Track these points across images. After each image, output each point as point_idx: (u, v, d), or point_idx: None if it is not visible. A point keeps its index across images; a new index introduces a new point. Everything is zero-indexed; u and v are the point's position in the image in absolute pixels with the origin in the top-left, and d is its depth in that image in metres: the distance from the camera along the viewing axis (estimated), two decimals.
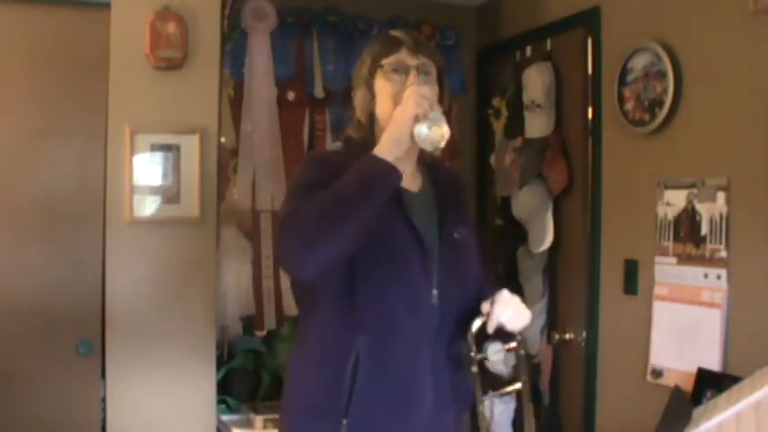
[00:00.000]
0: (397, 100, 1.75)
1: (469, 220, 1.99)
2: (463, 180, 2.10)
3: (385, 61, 1.82)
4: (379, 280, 1.74)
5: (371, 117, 1.85)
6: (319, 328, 1.80)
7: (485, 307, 1.79)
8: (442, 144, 1.67)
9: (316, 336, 1.81)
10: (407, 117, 1.66)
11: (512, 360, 2.48)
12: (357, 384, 1.72)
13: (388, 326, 1.76)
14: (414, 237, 1.78)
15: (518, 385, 1.89)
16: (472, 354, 1.80)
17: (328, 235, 1.61)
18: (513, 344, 1.84)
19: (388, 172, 1.64)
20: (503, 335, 1.82)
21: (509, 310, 1.79)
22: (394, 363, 1.76)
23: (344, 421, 1.72)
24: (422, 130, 1.64)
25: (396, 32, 1.88)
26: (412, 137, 1.65)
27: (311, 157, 1.92)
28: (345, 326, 1.76)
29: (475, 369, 1.81)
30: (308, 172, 1.79)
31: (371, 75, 1.84)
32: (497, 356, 1.81)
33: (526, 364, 1.88)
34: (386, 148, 1.66)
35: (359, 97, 1.88)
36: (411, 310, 1.77)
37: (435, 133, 1.64)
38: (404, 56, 1.81)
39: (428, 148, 1.68)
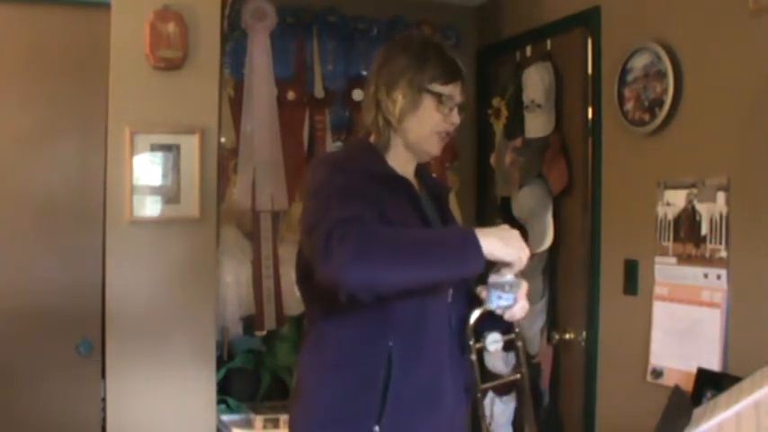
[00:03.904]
0: (432, 131, 1.83)
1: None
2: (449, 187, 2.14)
3: (442, 90, 1.82)
4: None
5: (398, 123, 1.83)
6: (341, 332, 1.76)
7: (482, 293, 1.76)
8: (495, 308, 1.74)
9: (337, 339, 1.77)
10: (522, 253, 1.65)
11: (511, 360, 2.49)
12: (390, 389, 1.71)
13: (418, 328, 1.76)
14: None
15: (517, 376, 1.90)
16: (470, 343, 1.80)
17: (394, 267, 1.56)
18: (512, 335, 1.84)
19: (477, 263, 1.60)
20: (502, 326, 1.82)
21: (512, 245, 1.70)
22: (422, 364, 1.76)
23: (376, 428, 1.70)
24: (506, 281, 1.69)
25: (456, 60, 1.89)
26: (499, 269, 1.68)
27: (329, 162, 1.83)
28: (375, 330, 1.73)
29: (473, 357, 1.81)
30: (336, 175, 1.71)
31: (421, 91, 1.81)
32: (495, 346, 1.81)
33: (525, 357, 1.90)
34: (487, 243, 1.59)
35: (400, 101, 1.82)
36: (435, 310, 1.79)
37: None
38: (457, 90, 1.85)
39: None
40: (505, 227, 1.68)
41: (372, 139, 1.87)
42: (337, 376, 1.75)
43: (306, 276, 1.74)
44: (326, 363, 1.78)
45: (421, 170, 1.97)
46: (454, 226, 1.74)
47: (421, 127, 1.83)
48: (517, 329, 1.84)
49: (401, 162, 1.87)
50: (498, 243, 1.61)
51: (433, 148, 1.87)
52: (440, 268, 1.60)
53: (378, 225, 1.63)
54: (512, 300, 1.72)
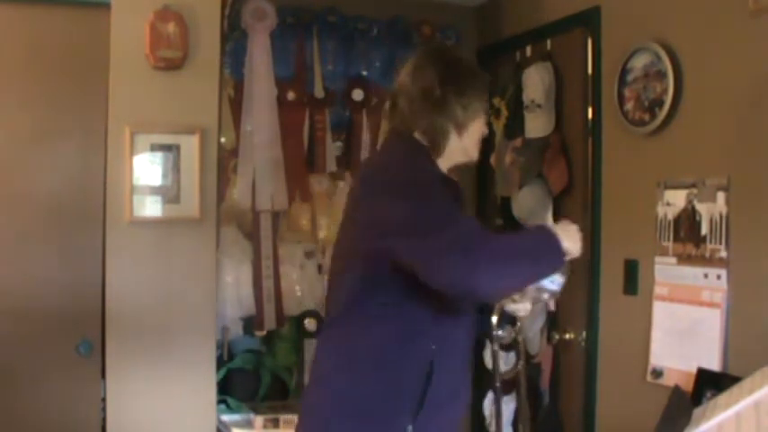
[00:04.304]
0: (479, 141, 1.99)
1: None
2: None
3: (486, 105, 2.01)
4: None
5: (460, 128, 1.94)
6: (379, 334, 1.81)
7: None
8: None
9: (373, 341, 1.81)
10: (579, 245, 1.78)
11: (511, 360, 2.54)
12: (429, 390, 1.78)
13: (454, 327, 1.87)
14: None
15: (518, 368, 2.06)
16: (494, 332, 1.97)
17: (517, 273, 1.72)
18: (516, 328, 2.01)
19: (561, 259, 1.76)
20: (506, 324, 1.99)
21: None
22: (453, 366, 1.86)
23: (410, 427, 1.77)
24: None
25: (487, 75, 2.03)
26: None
27: (404, 161, 1.89)
28: (419, 328, 1.81)
29: (496, 348, 2.00)
30: (419, 175, 1.83)
31: (478, 112, 1.95)
32: (510, 338, 1.99)
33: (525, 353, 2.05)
34: (566, 242, 1.75)
35: (467, 108, 1.92)
36: (465, 309, 1.90)
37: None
38: (487, 106, 2.05)
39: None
40: (566, 222, 1.81)
41: (420, 140, 1.93)
42: (372, 378, 1.80)
43: (364, 269, 1.79)
44: (357, 364, 1.82)
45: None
46: (534, 228, 1.87)
47: (476, 133, 1.96)
48: (519, 324, 2.00)
49: (445, 166, 1.97)
50: (568, 240, 1.74)
51: (476, 153, 2.01)
52: (544, 268, 1.76)
53: (491, 232, 1.80)
54: (560, 284, 1.83)
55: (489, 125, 3.50)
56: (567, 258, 1.77)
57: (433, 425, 1.82)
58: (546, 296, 1.86)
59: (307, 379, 3.33)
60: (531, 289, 1.83)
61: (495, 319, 1.96)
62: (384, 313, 1.80)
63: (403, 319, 1.80)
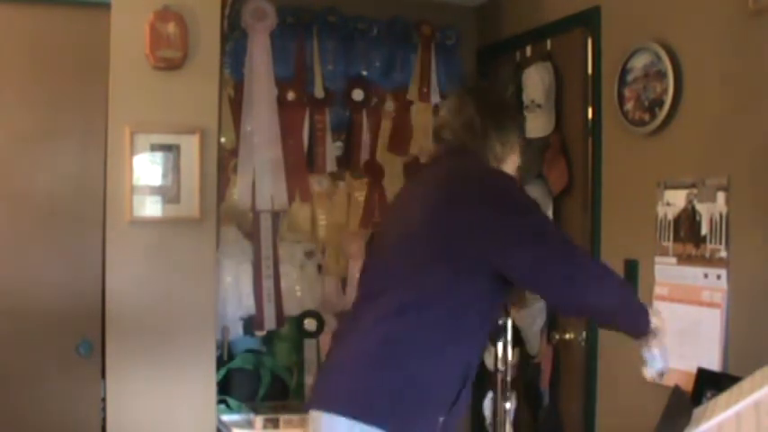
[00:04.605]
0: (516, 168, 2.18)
1: None
2: None
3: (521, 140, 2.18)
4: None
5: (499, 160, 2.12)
6: (455, 330, 1.91)
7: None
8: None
9: (449, 335, 1.90)
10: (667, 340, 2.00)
11: (512, 360, 2.58)
12: (463, 389, 1.94)
13: (486, 336, 2.07)
14: None
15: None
16: None
17: (611, 307, 1.92)
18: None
19: (644, 328, 1.97)
20: None
21: None
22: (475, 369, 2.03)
23: (441, 419, 1.88)
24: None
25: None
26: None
27: (518, 190, 2.07)
28: (473, 334, 1.96)
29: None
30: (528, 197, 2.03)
31: (515, 144, 2.13)
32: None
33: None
34: (653, 326, 1.96)
35: (506, 144, 2.10)
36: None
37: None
38: None
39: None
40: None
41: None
42: (441, 374, 1.89)
43: (455, 270, 1.88)
44: (436, 358, 1.89)
45: None
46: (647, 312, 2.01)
47: (512, 164, 2.14)
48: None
49: None
50: (661, 326, 1.97)
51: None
52: (629, 311, 1.94)
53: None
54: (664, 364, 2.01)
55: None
56: (649, 340, 1.96)
57: (454, 420, 1.95)
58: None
59: (307, 379, 3.35)
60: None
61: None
62: (461, 312, 1.90)
63: (470, 320, 1.92)
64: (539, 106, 3.11)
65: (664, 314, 2.00)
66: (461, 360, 1.93)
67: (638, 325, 1.94)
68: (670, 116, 2.51)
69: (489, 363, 2.93)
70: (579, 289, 1.85)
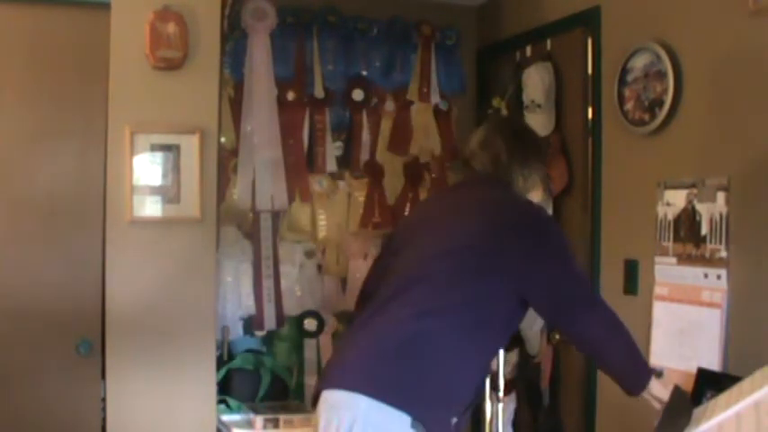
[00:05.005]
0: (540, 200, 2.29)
1: None
2: None
3: (546, 172, 2.32)
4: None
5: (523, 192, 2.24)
6: (483, 344, 2.06)
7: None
8: None
9: (479, 348, 2.04)
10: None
11: (511, 360, 2.59)
12: (477, 395, 2.12)
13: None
14: None
15: None
16: None
17: (612, 348, 2.06)
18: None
19: (640, 388, 2.05)
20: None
21: None
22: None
23: (454, 420, 1.95)
24: None
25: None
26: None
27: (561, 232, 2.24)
28: (496, 349, 2.22)
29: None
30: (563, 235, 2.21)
31: (541, 176, 2.26)
32: None
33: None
34: (656, 391, 2.04)
35: (528, 179, 2.23)
36: None
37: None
38: None
39: None
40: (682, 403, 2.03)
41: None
42: (467, 377, 2.02)
43: (502, 282, 2.03)
44: (467, 362, 2.01)
45: None
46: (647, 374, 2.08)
47: (536, 197, 2.25)
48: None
49: None
50: (656, 396, 2.04)
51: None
52: (627, 360, 2.06)
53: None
54: None
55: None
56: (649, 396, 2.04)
57: (463, 422, 2.03)
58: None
59: (307, 378, 3.35)
60: None
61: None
62: (489, 323, 2.03)
63: (494, 332, 2.08)
64: (539, 106, 3.11)
65: (669, 386, 2.07)
66: (481, 367, 2.09)
67: (638, 378, 2.04)
68: (670, 116, 2.51)
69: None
70: (592, 317, 2.03)
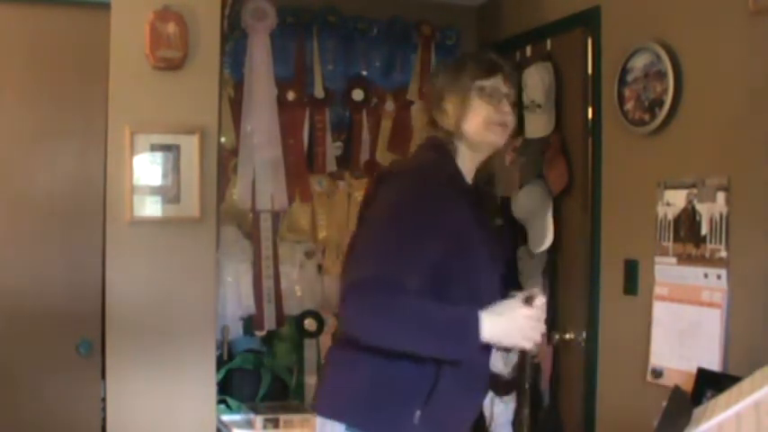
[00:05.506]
0: (487, 122, 1.94)
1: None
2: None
3: (484, 83, 1.95)
4: (470, 278, 1.87)
5: (456, 128, 1.97)
6: None
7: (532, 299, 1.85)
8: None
9: None
10: (524, 342, 1.81)
11: (511, 360, 2.52)
12: (441, 381, 1.82)
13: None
14: (488, 235, 1.99)
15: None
16: None
17: (394, 340, 1.77)
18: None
19: (469, 352, 1.79)
20: None
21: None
22: (474, 359, 1.87)
23: (417, 413, 1.81)
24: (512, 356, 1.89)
25: (495, 56, 2.02)
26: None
27: (422, 184, 1.88)
28: None
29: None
30: (415, 209, 1.82)
31: (466, 90, 1.95)
32: (497, 355, 1.88)
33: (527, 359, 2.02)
34: (490, 332, 1.76)
35: (450, 108, 1.97)
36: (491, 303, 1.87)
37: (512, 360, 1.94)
38: (500, 82, 1.96)
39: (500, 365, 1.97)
40: (519, 312, 1.80)
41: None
42: (394, 366, 1.82)
43: None
44: (385, 356, 1.84)
45: (480, 175, 2.08)
46: (466, 309, 1.79)
47: (477, 122, 1.94)
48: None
49: (467, 164, 1.99)
50: (501, 333, 1.78)
51: (496, 136, 1.96)
52: (434, 350, 1.78)
53: (399, 295, 1.74)
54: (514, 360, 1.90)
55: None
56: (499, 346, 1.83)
57: (444, 413, 1.85)
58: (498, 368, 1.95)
59: (307, 378, 3.35)
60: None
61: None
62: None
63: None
64: (539, 106, 3.11)
65: (521, 315, 1.81)
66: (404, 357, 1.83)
67: (458, 353, 1.80)
68: (670, 116, 2.51)
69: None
70: (359, 325, 1.77)
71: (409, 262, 1.77)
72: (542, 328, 1.83)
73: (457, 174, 1.96)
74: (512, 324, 1.79)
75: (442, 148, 1.97)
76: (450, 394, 1.85)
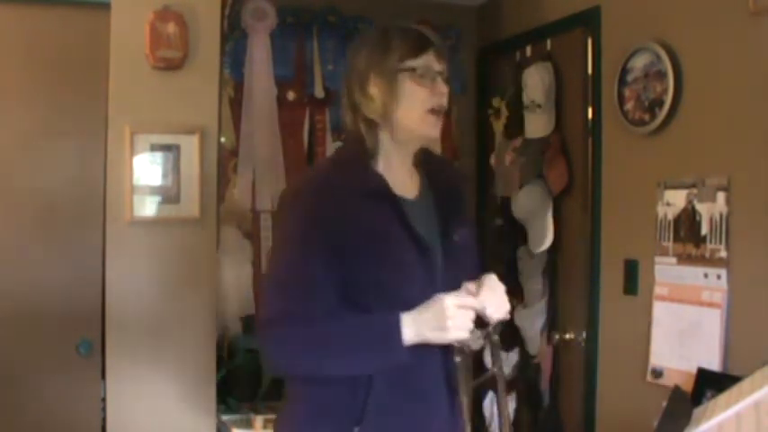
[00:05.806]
0: (422, 111, 1.70)
1: (469, 221, 1.95)
2: (465, 176, 2.05)
3: (415, 63, 1.70)
4: (389, 293, 1.67)
5: (383, 118, 1.73)
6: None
7: (470, 288, 1.69)
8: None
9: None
10: (456, 333, 1.62)
11: (511, 359, 2.45)
12: (372, 393, 1.67)
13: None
14: (416, 244, 1.71)
15: (494, 370, 1.84)
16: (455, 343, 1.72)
17: (313, 366, 1.66)
18: (489, 329, 1.74)
19: (399, 358, 1.61)
20: (481, 321, 1.73)
21: (497, 298, 1.71)
22: (408, 370, 1.68)
23: (356, 429, 1.66)
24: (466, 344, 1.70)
25: (422, 30, 1.77)
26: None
27: (295, 199, 1.72)
28: None
29: (458, 359, 1.74)
30: (293, 232, 1.68)
31: (394, 73, 1.70)
32: (478, 344, 1.77)
33: (499, 352, 1.84)
34: (415, 331, 1.61)
35: (377, 93, 1.72)
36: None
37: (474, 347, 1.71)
38: (432, 59, 1.72)
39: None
40: (445, 303, 1.61)
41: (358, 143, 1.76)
42: (323, 381, 1.73)
43: None
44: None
45: (430, 161, 1.86)
46: (382, 315, 1.63)
47: (410, 110, 1.70)
48: (492, 325, 1.74)
49: (395, 161, 1.77)
50: (427, 329, 1.61)
51: (431, 128, 1.73)
52: (362, 366, 1.65)
53: (310, 323, 1.63)
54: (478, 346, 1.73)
55: (488, 121, 3.52)
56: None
57: (387, 427, 1.70)
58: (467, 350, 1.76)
59: None
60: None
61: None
62: None
63: None
64: (539, 106, 3.11)
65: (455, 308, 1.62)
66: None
67: (390, 359, 1.63)
68: (670, 116, 2.51)
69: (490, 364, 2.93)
70: (276, 359, 1.68)
71: (307, 287, 1.64)
72: (471, 315, 1.63)
73: (370, 179, 1.71)
74: (439, 316, 1.60)
75: (354, 150, 1.75)
76: (387, 407, 1.68)
